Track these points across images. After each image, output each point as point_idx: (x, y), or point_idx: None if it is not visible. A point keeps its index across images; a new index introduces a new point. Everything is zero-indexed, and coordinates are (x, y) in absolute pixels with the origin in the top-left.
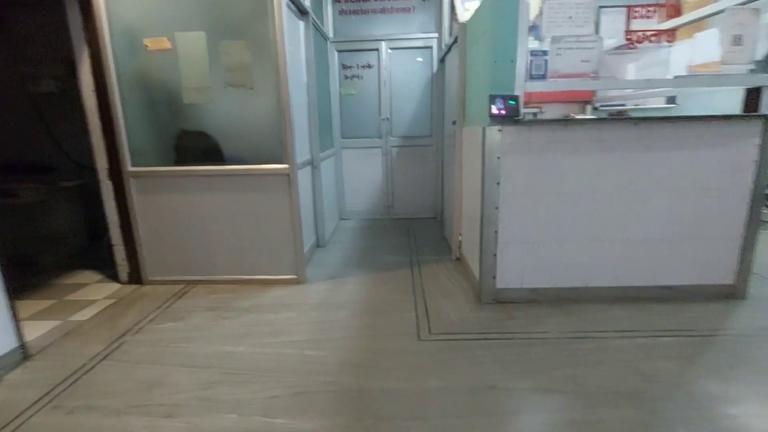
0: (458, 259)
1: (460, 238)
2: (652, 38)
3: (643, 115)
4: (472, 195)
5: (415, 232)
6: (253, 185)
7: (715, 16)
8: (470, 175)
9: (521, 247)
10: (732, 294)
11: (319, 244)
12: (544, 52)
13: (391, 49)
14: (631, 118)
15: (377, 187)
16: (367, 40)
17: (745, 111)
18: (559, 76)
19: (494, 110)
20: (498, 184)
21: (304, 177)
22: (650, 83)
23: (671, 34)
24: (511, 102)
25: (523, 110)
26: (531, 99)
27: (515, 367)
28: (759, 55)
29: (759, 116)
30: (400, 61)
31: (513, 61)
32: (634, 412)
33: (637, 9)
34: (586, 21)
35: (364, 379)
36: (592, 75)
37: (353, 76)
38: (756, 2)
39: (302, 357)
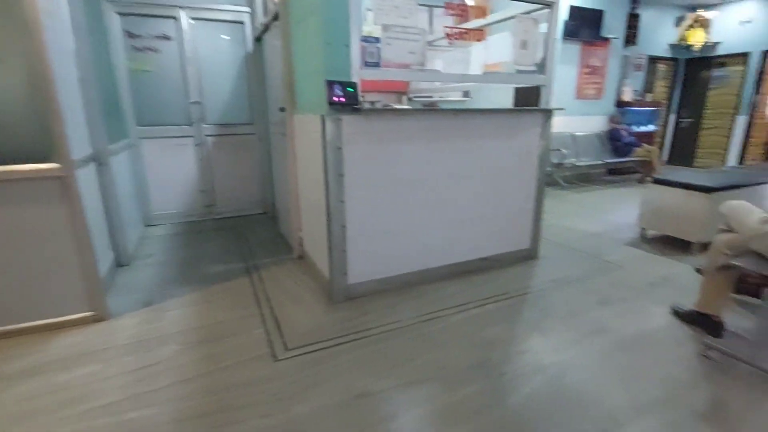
0: (301, 257)
1: (300, 234)
2: (464, 36)
3: (448, 107)
4: (312, 187)
5: (246, 232)
6: (5, 197)
7: (503, 22)
8: (307, 166)
9: (368, 239)
10: (529, 256)
11: (120, 263)
12: (377, 39)
13: (193, 19)
14: (452, 110)
15: (192, 183)
16: (158, 5)
17: (515, 105)
18: (392, 65)
19: (333, 98)
20: (341, 176)
21: (87, 178)
22: (466, 78)
23: (480, 34)
24: (349, 89)
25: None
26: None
27: (379, 365)
28: (538, 59)
29: (540, 110)
30: (207, 35)
31: (347, 46)
32: (486, 382)
33: (449, 7)
34: (410, 12)
35: (215, 431)
36: (419, 67)
37: (146, 49)
38: (534, 13)
39: (123, 425)
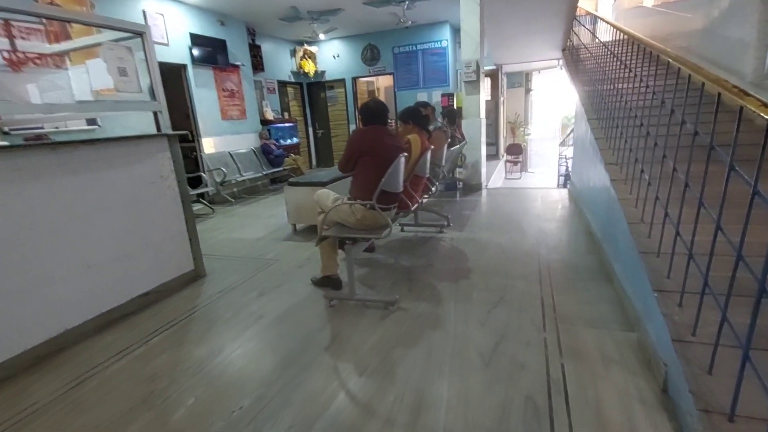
0: None
1: None
2: (37, 61)
3: (68, 138)
4: None
5: None
6: None
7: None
8: None
9: None
10: (196, 276)
11: None
12: None
13: None
14: (49, 143)
15: None
16: None
17: (158, 131)
18: None
19: None
20: None
21: None
22: (54, 107)
23: (61, 59)
24: None
25: None
26: None
27: None
28: (144, 86)
29: (162, 135)
30: None
31: None
32: (149, 414)
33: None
34: None
35: None
36: None
37: None
38: (128, 41)
39: None
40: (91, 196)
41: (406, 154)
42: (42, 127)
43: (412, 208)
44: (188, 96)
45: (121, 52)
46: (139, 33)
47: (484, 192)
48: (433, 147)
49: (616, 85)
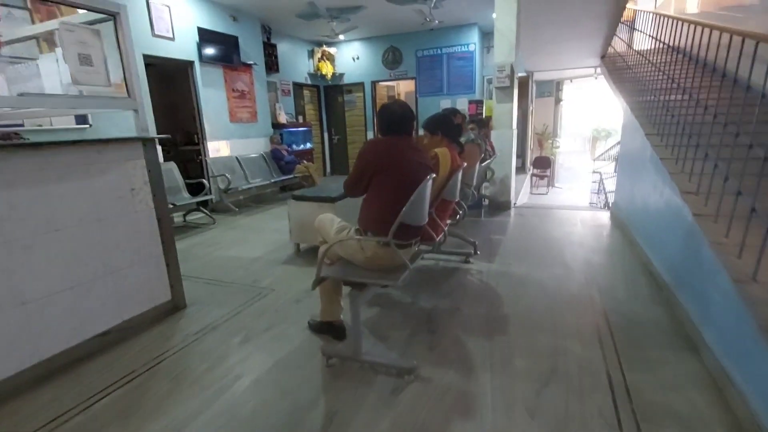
0: None
1: None
2: None
3: (53, 139)
4: None
5: None
6: None
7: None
8: None
9: None
10: (174, 308)
11: None
12: None
13: None
14: None
15: None
16: None
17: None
18: None
19: None
20: None
21: None
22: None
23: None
24: None
25: None
26: None
27: None
28: (115, 79)
29: (135, 139)
30: None
31: None
32: None
33: None
34: None
35: None
36: None
37: None
38: (96, 25)
39: None
40: (33, 215)
41: (434, 174)
42: (22, 124)
43: (437, 239)
44: (194, 96)
45: (85, 36)
46: (112, 14)
47: (512, 211)
48: (465, 164)
49: (692, 95)
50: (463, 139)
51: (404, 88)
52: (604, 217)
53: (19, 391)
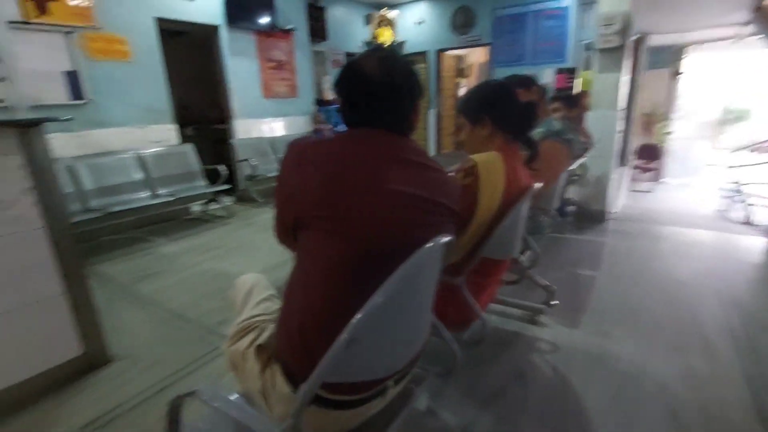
0: None
1: None
2: None
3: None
4: None
5: None
6: None
7: None
8: None
9: None
10: (92, 364)
11: None
12: None
13: None
14: None
15: None
16: None
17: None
18: None
19: None
20: None
21: None
22: None
23: None
24: None
25: None
26: None
27: None
28: None
29: (8, 123)
30: None
31: None
32: None
33: None
34: None
35: None
36: None
37: None
38: None
39: None
40: None
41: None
42: None
43: (469, 326)
44: (220, 66)
45: None
46: None
47: (609, 224)
48: (540, 184)
49: None
50: (539, 132)
51: (476, 57)
52: (756, 243)
53: None
